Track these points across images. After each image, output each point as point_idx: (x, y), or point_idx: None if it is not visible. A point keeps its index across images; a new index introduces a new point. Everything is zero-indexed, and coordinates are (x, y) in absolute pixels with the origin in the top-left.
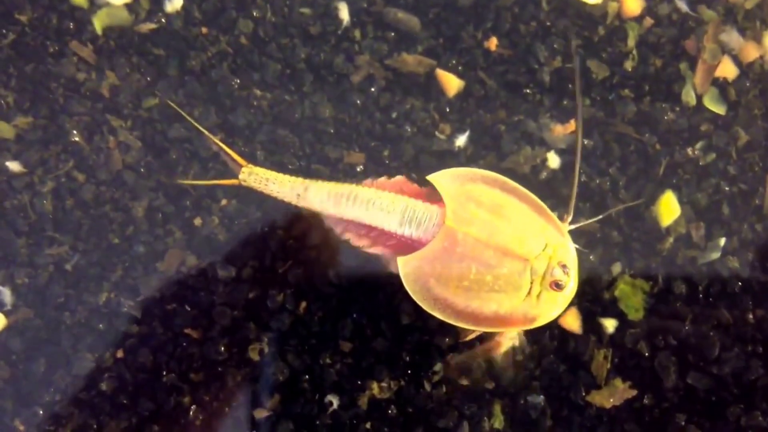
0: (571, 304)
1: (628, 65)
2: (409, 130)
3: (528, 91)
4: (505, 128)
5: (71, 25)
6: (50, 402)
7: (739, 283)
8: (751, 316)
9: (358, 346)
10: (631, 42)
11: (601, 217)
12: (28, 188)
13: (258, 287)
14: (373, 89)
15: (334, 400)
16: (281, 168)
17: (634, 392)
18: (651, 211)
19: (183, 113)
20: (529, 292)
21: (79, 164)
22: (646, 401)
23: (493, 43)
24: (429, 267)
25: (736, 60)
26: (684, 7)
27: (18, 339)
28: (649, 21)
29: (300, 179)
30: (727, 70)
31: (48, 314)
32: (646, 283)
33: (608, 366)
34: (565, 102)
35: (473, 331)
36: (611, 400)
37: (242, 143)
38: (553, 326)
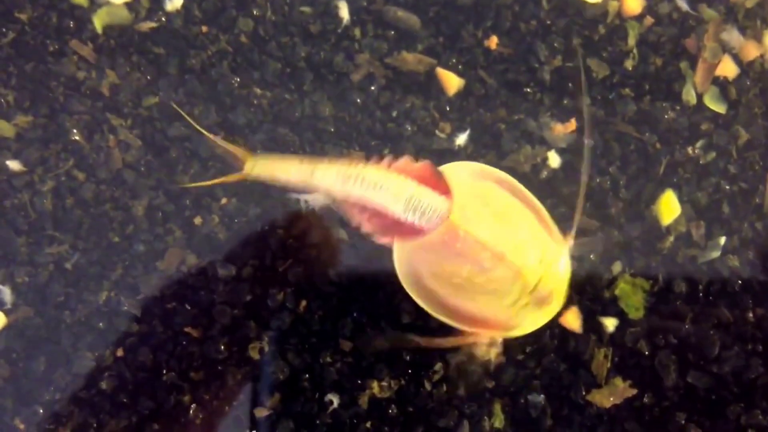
0: (571, 303)
1: (629, 64)
2: (409, 128)
3: (528, 90)
4: (506, 127)
5: (71, 24)
6: (50, 401)
7: (740, 282)
8: (751, 315)
9: (359, 345)
10: (632, 41)
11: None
12: (28, 187)
13: (258, 286)
14: (373, 88)
15: (335, 399)
16: None
17: (635, 391)
18: (651, 210)
19: (182, 112)
20: (515, 302)
21: (79, 163)
22: (646, 400)
23: (493, 41)
24: (424, 256)
25: (737, 59)
26: (684, 5)
27: (18, 338)
28: (649, 20)
29: (306, 161)
30: (728, 68)
31: (48, 313)
32: (646, 282)
33: (608, 365)
34: (565, 101)
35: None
36: (611, 399)
37: (242, 142)
38: (554, 325)
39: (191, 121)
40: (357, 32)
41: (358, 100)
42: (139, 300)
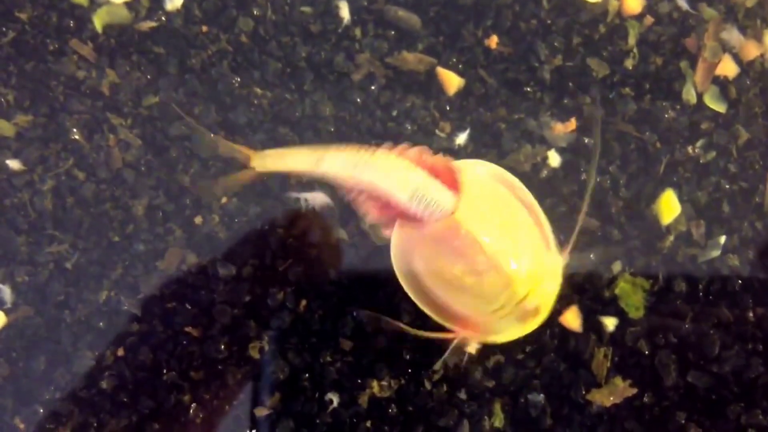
0: (571, 303)
1: (629, 63)
2: (409, 128)
3: (528, 89)
4: (506, 126)
5: (71, 23)
6: (50, 400)
7: (740, 282)
8: (751, 315)
9: (359, 344)
10: (632, 40)
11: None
12: (28, 186)
13: (258, 285)
14: (373, 87)
15: (335, 399)
16: None
17: (635, 390)
18: (651, 209)
19: (182, 113)
20: (498, 309)
21: (79, 162)
22: (646, 399)
23: (493, 41)
24: (420, 245)
25: (737, 58)
26: (684, 5)
27: (18, 337)
28: (649, 19)
29: (314, 149)
30: (728, 68)
31: (48, 312)
32: (646, 282)
33: (608, 364)
34: (565, 100)
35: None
36: (611, 398)
37: (242, 141)
38: (554, 324)
39: (188, 118)
40: (357, 32)
41: (359, 100)
42: (140, 299)
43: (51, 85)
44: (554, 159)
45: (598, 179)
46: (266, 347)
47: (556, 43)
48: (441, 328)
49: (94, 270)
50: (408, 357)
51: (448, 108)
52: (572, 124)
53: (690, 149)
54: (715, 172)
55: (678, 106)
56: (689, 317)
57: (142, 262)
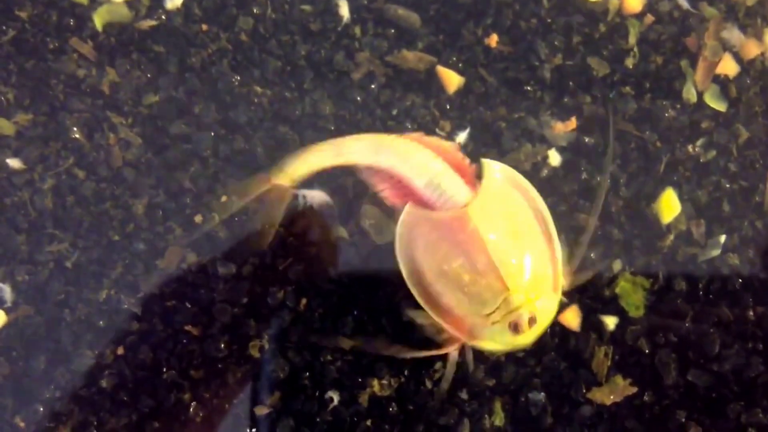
0: (571, 302)
1: (629, 62)
2: (409, 126)
3: (529, 88)
4: (506, 125)
5: (71, 22)
6: (50, 399)
7: (740, 281)
8: (751, 314)
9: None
10: (632, 39)
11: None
12: (28, 185)
13: (258, 284)
14: (373, 86)
15: (335, 397)
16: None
17: (635, 389)
18: (652, 208)
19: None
20: (489, 315)
21: (80, 161)
22: (646, 398)
23: (493, 39)
24: (426, 229)
25: (737, 57)
26: (685, 4)
27: (18, 336)
28: (650, 18)
29: (331, 141)
30: (728, 67)
31: (48, 311)
32: (646, 281)
33: (609, 363)
34: (565, 99)
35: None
36: (612, 397)
37: (243, 140)
38: (554, 323)
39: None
40: (357, 30)
41: (359, 98)
42: (140, 298)
43: (51, 83)
44: (554, 158)
45: (598, 179)
46: (266, 346)
47: (556, 42)
48: (436, 345)
49: (94, 269)
50: (408, 356)
51: (448, 107)
52: (572, 123)
53: (690, 148)
54: (715, 171)
55: (678, 105)
56: (689, 316)
57: (142, 261)
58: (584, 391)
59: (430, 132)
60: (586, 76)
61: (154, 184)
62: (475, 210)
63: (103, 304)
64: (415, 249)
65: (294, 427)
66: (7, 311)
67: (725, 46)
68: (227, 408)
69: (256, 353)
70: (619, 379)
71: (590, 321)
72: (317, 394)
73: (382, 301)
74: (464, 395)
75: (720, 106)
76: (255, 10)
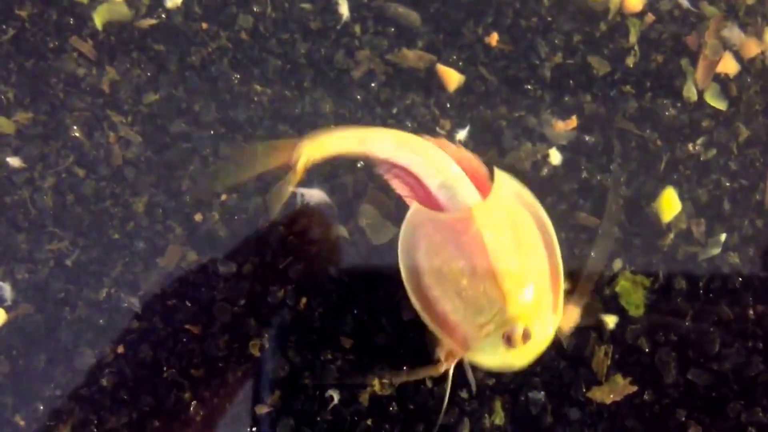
0: (571, 301)
1: (630, 61)
2: (409, 125)
3: (529, 86)
4: (506, 124)
5: (71, 21)
6: (50, 397)
7: (740, 279)
8: (751, 312)
9: (359, 342)
10: (633, 38)
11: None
12: (28, 184)
13: (258, 283)
14: (373, 84)
15: (335, 396)
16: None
17: (635, 388)
18: (652, 207)
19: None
20: (484, 324)
21: (80, 160)
22: (646, 397)
23: (493, 38)
24: (431, 231)
25: (738, 56)
26: (685, 2)
27: (18, 334)
28: (650, 17)
29: (356, 130)
30: (729, 65)
31: (48, 310)
32: (646, 279)
33: (609, 362)
34: (566, 98)
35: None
36: (612, 396)
37: (242, 138)
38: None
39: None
40: (357, 29)
41: (359, 97)
42: (140, 297)
43: (51, 82)
44: (555, 157)
45: (598, 177)
46: (266, 345)
47: (556, 41)
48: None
49: (95, 267)
50: (409, 354)
51: (448, 105)
52: (573, 121)
53: (690, 147)
54: (715, 170)
55: (679, 104)
56: (689, 315)
57: (143, 260)
58: (584, 390)
59: (430, 131)
60: (587, 75)
61: (154, 183)
62: (480, 213)
63: (103, 302)
64: (418, 249)
65: (294, 426)
66: (8, 309)
67: (725, 45)
68: (227, 407)
69: (256, 352)
70: (619, 378)
71: (590, 320)
72: (317, 393)
73: (382, 300)
74: (464, 394)
75: (720, 105)
76: (255, 9)
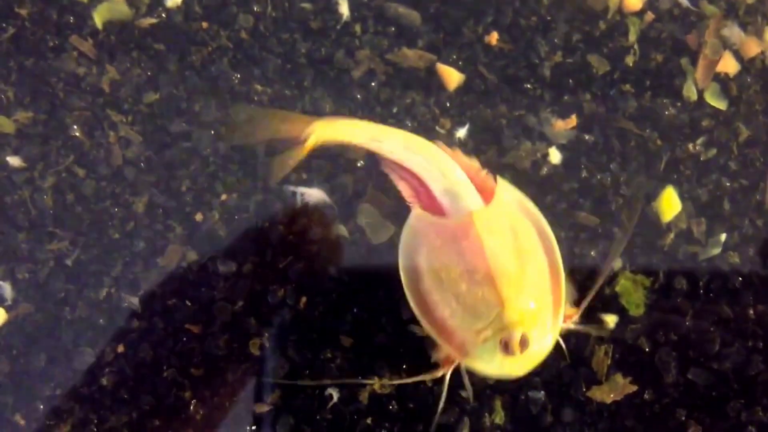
0: (572, 301)
1: (629, 60)
2: (409, 124)
3: (529, 86)
4: (506, 123)
5: (71, 20)
6: (50, 397)
7: (740, 279)
8: (751, 312)
9: (359, 341)
10: (632, 37)
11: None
12: (28, 183)
13: (258, 282)
14: (373, 84)
15: (335, 395)
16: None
17: (635, 387)
18: (652, 206)
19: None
20: (482, 330)
21: (80, 159)
22: (646, 396)
23: (493, 37)
24: (431, 236)
25: (738, 55)
26: (685, 2)
27: (18, 334)
28: (650, 16)
29: (371, 124)
30: (729, 65)
31: (48, 309)
32: (647, 279)
33: (609, 361)
34: (565, 97)
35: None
36: (612, 395)
37: (243, 137)
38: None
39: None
40: (357, 28)
41: (359, 96)
42: (140, 296)
43: (51, 81)
44: (555, 156)
45: (598, 176)
46: (266, 344)
47: (556, 40)
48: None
49: (95, 267)
50: (408, 354)
51: (448, 104)
52: (572, 120)
53: (690, 146)
54: (715, 170)
55: (678, 103)
56: (690, 314)
57: (143, 259)
58: (584, 389)
59: (430, 130)
60: (586, 74)
61: (154, 182)
62: (481, 218)
63: (103, 302)
64: (418, 254)
65: (294, 424)
66: (8, 309)
67: (725, 44)
68: (228, 406)
69: (256, 351)
70: (619, 378)
71: (590, 319)
72: (317, 391)
73: (382, 299)
74: (464, 394)
75: (720, 105)
76: (255, 8)
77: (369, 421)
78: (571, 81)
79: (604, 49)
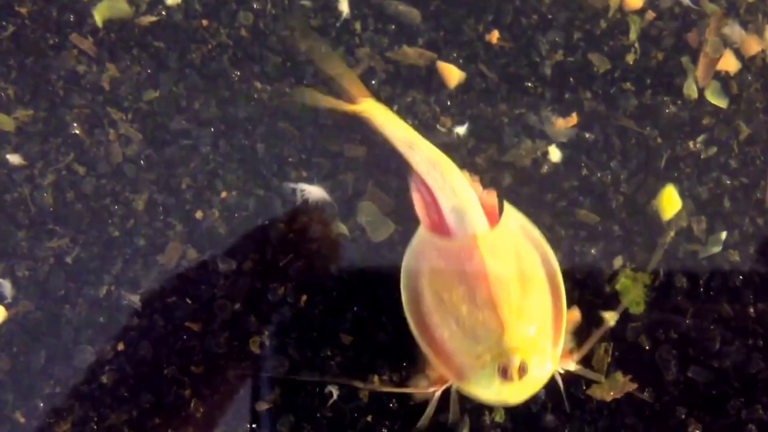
0: (571, 300)
1: (630, 58)
2: (410, 123)
3: (529, 84)
4: (507, 121)
5: (71, 18)
6: (51, 395)
7: (740, 277)
8: (752, 310)
9: (359, 339)
10: (633, 35)
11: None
12: (28, 181)
13: (259, 280)
14: (373, 82)
15: (335, 393)
16: (281, 161)
17: (635, 386)
18: (652, 204)
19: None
20: (481, 354)
21: (80, 157)
22: (646, 395)
23: (494, 36)
24: (435, 258)
25: (738, 53)
26: (686, 0)
27: (18, 332)
28: (651, 14)
29: (411, 131)
30: (729, 63)
31: (48, 307)
32: (647, 277)
33: (609, 359)
34: (566, 95)
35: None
36: (612, 393)
37: (242, 136)
38: None
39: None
40: (357, 26)
41: None
42: (140, 294)
43: (51, 79)
44: (555, 154)
45: (598, 175)
46: (266, 342)
47: (557, 38)
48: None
49: (95, 265)
50: (408, 352)
51: (448, 103)
52: (573, 119)
53: (691, 144)
54: (716, 168)
55: (679, 102)
56: (690, 313)
57: (143, 257)
58: (584, 387)
59: (430, 128)
60: (587, 73)
61: (154, 180)
62: (485, 242)
63: (103, 299)
64: (420, 276)
65: (294, 422)
66: (7, 307)
67: (726, 43)
68: (227, 404)
69: (256, 349)
70: (619, 376)
71: (590, 317)
72: (317, 389)
73: (382, 297)
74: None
75: (721, 103)
76: (255, 6)
77: (369, 418)
78: (571, 79)
79: (604, 47)
